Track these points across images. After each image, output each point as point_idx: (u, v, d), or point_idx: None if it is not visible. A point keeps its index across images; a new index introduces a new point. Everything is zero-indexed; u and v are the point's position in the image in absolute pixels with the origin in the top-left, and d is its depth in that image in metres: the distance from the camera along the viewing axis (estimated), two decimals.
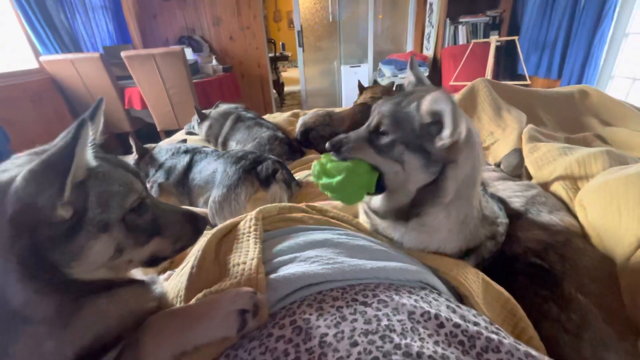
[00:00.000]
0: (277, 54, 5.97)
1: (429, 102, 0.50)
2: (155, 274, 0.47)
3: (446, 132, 0.49)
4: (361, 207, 0.67)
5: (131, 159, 1.32)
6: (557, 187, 0.84)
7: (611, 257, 0.62)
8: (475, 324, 0.36)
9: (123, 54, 2.65)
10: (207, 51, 4.01)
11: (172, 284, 0.49)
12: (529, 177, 0.98)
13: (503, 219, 0.69)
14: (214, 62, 3.70)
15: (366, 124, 0.60)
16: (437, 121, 0.51)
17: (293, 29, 4.57)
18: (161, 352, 0.35)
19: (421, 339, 0.33)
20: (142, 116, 3.19)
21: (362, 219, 0.66)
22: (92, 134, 0.38)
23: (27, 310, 0.31)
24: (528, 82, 3.02)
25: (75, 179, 0.33)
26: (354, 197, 0.56)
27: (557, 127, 1.40)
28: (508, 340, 0.34)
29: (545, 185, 0.89)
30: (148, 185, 1.21)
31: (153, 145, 1.36)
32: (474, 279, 0.54)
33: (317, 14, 4.82)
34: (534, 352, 0.33)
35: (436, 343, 0.33)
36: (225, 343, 0.35)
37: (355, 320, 0.35)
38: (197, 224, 0.45)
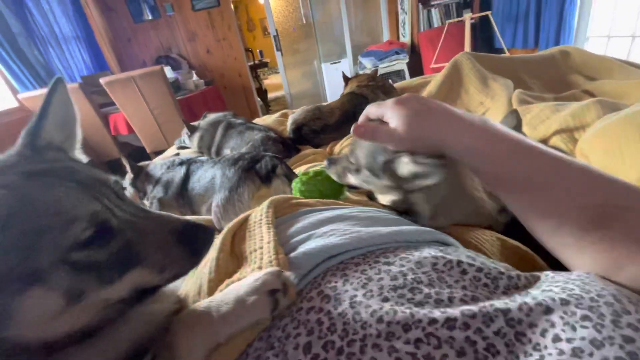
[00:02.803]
0: (256, 61, 5.98)
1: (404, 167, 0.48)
2: None
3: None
4: None
5: (127, 179, 1.30)
6: (556, 142, 0.85)
7: None
8: (495, 268, 0.36)
9: (102, 80, 2.63)
10: (186, 67, 4.01)
11: (189, 283, 0.47)
12: None
13: None
14: (195, 77, 3.69)
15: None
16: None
17: (268, 36, 4.59)
18: (196, 350, 0.33)
19: (449, 286, 0.33)
20: (130, 140, 3.16)
21: None
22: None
23: None
24: (507, 54, 3.06)
25: None
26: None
27: (543, 89, 1.42)
28: (523, 274, 0.34)
29: (543, 143, 0.90)
30: (147, 202, 1.20)
31: (147, 162, 1.35)
32: (487, 239, 0.54)
33: (290, 16, 4.84)
34: (538, 273, 0.33)
35: (463, 288, 0.32)
36: (258, 327, 0.35)
37: (382, 279, 0.34)
38: (194, 243, 0.36)
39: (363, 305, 0.31)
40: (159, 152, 2.95)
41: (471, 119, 0.43)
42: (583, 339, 0.23)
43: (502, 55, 1.59)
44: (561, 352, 0.23)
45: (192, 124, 1.69)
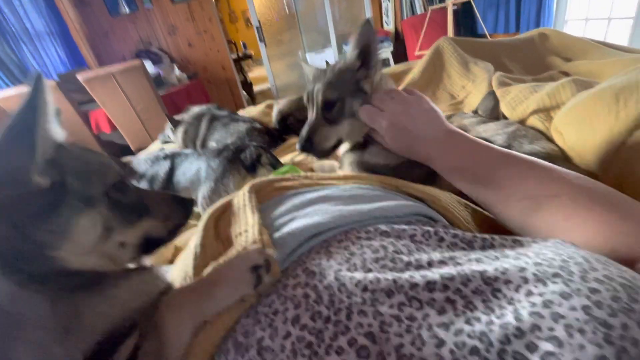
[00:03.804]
0: (240, 54, 5.88)
1: (358, 36, 0.58)
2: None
3: (374, 55, 0.59)
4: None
5: None
6: (533, 121, 0.87)
7: (593, 172, 0.65)
8: (469, 233, 0.39)
9: (80, 77, 2.54)
10: (167, 62, 3.91)
11: (177, 269, 0.48)
12: (506, 119, 1.01)
13: None
14: (177, 71, 3.61)
15: (311, 112, 0.65)
16: (363, 61, 0.60)
17: (251, 27, 4.51)
18: (183, 328, 0.34)
19: (427, 253, 0.35)
20: (114, 139, 3.09)
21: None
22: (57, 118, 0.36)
23: (16, 310, 0.28)
24: (489, 39, 3.09)
25: (45, 148, 0.31)
26: None
27: (523, 72, 1.44)
28: (498, 236, 0.37)
29: (521, 123, 0.92)
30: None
31: (130, 157, 1.33)
32: (461, 208, 0.56)
33: (273, 7, 4.77)
34: (517, 237, 0.36)
35: (441, 252, 0.35)
36: (244, 304, 0.35)
37: (364, 253, 0.36)
38: (184, 202, 0.44)
39: (347, 277, 0.32)
40: (144, 150, 2.91)
41: (438, 138, 0.54)
42: (553, 292, 0.25)
43: (482, 39, 1.61)
44: (533, 305, 0.25)
45: (175, 117, 1.66)
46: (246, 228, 0.44)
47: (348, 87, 0.61)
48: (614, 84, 0.65)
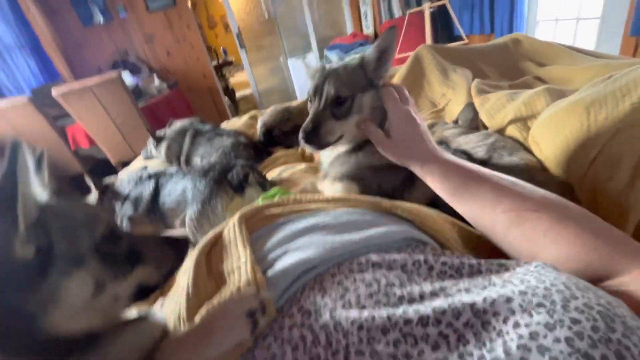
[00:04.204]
0: (220, 60, 5.81)
1: (381, 41, 0.63)
2: (148, 307, 0.45)
3: (390, 57, 0.64)
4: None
5: (92, 198, 1.25)
6: (512, 131, 0.90)
7: (569, 181, 0.68)
8: (457, 257, 0.40)
9: (55, 92, 2.45)
10: (146, 71, 3.83)
11: (169, 308, 0.47)
12: (485, 128, 1.04)
13: None
14: (156, 81, 3.54)
15: (318, 103, 0.66)
16: (380, 58, 0.64)
17: (230, 32, 4.46)
18: None
19: (418, 284, 0.35)
20: (93, 153, 2.99)
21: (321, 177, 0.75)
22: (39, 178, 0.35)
23: None
24: (466, 41, 3.17)
25: (28, 215, 0.29)
26: None
27: (500, 77, 1.49)
28: (484, 261, 0.39)
29: (500, 131, 0.95)
30: (117, 221, 1.15)
31: (112, 178, 1.29)
32: (449, 227, 0.57)
33: (251, 12, 4.73)
34: (503, 261, 0.38)
35: (432, 282, 0.35)
36: (241, 348, 0.35)
37: (357, 287, 0.36)
38: (178, 244, 0.43)
39: (343, 316, 0.33)
40: (125, 163, 2.82)
41: (433, 151, 0.58)
42: (538, 323, 0.26)
43: (460, 46, 1.65)
44: (520, 337, 0.26)
45: (157, 133, 1.63)
46: (238, 265, 0.44)
47: (360, 84, 0.64)
48: (584, 97, 0.69)
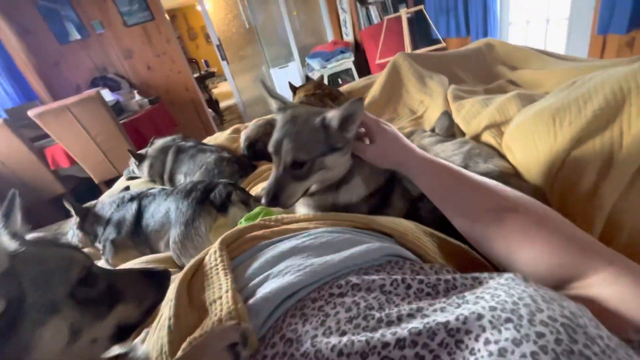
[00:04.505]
0: (203, 72, 5.79)
1: (344, 110, 0.60)
2: (131, 341, 0.44)
3: (354, 126, 0.61)
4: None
5: (72, 223, 1.22)
6: (487, 137, 0.93)
7: (541, 186, 0.71)
8: (436, 272, 0.42)
9: (31, 113, 2.40)
10: (126, 87, 3.78)
11: (152, 341, 0.47)
12: (462, 134, 1.07)
13: None
14: (137, 97, 3.49)
15: (277, 164, 0.65)
16: (343, 125, 0.61)
17: (212, 43, 4.44)
18: None
19: (396, 305, 0.36)
20: (74, 173, 2.93)
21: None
22: (6, 226, 0.34)
23: None
24: (443, 44, 3.25)
25: None
26: None
27: (475, 81, 1.54)
28: (459, 275, 0.40)
29: (476, 138, 0.98)
30: (100, 245, 1.13)
31: (93, 202, 1.27)
32: (427, 239, 0.59)
33: (231, 23, 4.74)
34: (476, 274, 0.39)
35: (409, 303, 0.36)
36: None
37: (338, 312, 0.37)
38: (159, 277, 0.43)
39: (323, 343, 0.33)
40: (109, 182, 2.77)
41: (415, 149, 0.61)
42: (506, 339, 0.27)
43: (436, 52, 1.70)
44: (490, 354, 0.27)
45: (139, 152, 1.61)
46: (220, 295, 0.44)
47: (320, 148, 0.61)
48: (550, 104, 0.72)
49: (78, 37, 3.66)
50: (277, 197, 0.63)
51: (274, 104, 0.74)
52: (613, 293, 0.35)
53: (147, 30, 3.79)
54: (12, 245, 0.33)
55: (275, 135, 0.65)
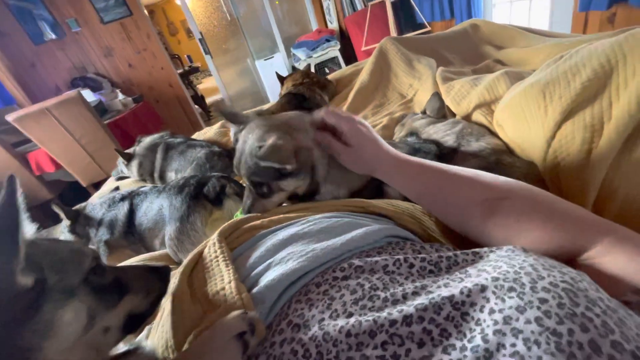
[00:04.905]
0: (186, 67, 5.66)
1: (262, 163, 0.59)
2: (134, 338, 0.44)
3: (287, 168, 0.59)
4: None
5: (63, 227, 1.19)
6: (477, 116, 0.94)
7: (533, 161, 0.71)
8: (437, 250, 0.42)
9: (10, 117, 2.32)
10: (108, 87, 3.67)
11: (156, 337, 0.46)
12: (453, 115, 1.08)
13: None
14: (120, 96, 3.40)
15: (247, 185, 0.66)
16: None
17: (194, 38, 4.34)
18: None
19: (401, 284, 0.37)
20: (60, 177, 2.86)
21: None
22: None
23: None
24: (428, 28, 3.24)
25: (24, 247, 0.30)
26: None
27: (462, 62, 1.53)
28: (460, 251, 0.40)
29: (467, 118, 0.99)
30: (94, 247, 1.11)
31: (83, 204, 1.24)
32: (426, 218, 0.59)
33: (212, 16, 4.63)
34: (477, 249, 0.39)
35: (413, 281, 0.37)
36: None
37: (343, 295, 0.37)
38: (159, 271, 0.45)
39: (331, 326, 0.33)
40: (97, 184, 2.71)
41: (392, 152, 0.58)
42: (511, 307, 0.28)
43: (422, 35, 1.69)
44: (496, 322, 0.27)
45: (126, 151, 1.57)
46: (223, 286, 0.43)
47: (269, 173, 0.61)
48: (539, 79, 0.72)
49: (53, 36, 3.52)
50: (252, 211, 0.64)
51: (231, 129, 0.74)
52: (610, 261, 0.36)
53: (126, 27, 3.67)
54: (30, 232, 0.34)
55: (236, 155, 0.65)
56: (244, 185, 1.05)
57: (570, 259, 0.40)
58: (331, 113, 0.61)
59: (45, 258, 0.33)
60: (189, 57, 6.30)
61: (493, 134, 0.86)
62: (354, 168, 0.61)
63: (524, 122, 0.72)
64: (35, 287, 0.30)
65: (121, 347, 0.40)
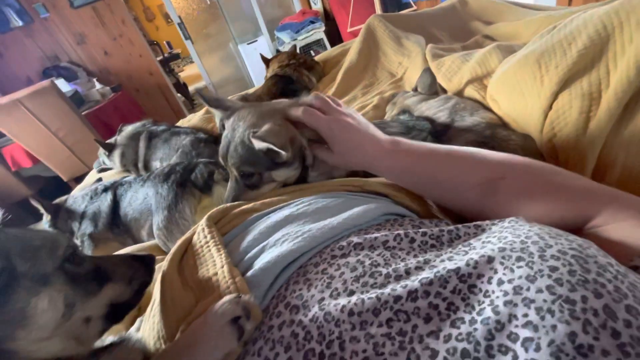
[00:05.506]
0: (166, 54, 5.45)
1: (257, 145, 0.55)
2: (124, 331, 0.42)
3: (282, 155, 0.55)
4: None
5: (44, 222, 1.14)
6: (470, 91, 0.92)
7: (529, 133, 0.70)
8: (437, 225, 0.41)
9: None
10: (84, 76, 3.50)
11: (146, 328, 0.44)
12: (445, 92, 1.05)
13: None
14: (98, 85, 3.25)
15: (230, 174, 0.63)
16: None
17: (172, 23, 4.15)
18: None
19: (402, 260, 0.35)
20: (39, 172, 2.74)
21: None
22: None
23: None
24: (415, 7, 3.18)
25: None
26: None
27: (451, 39, 1.51)
28: (461, 225, 0.39)
29: (459, 94, 0.97)
30: (78, 242, 1.07)
31: (64, 197, 1.18)
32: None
33: None
34: (478, 222, 0.38)
35: (415, 256, 0.35)
36: (231, 357, 0.33)
37: (343, 273, 0.35)
38: (144, 259, 0.43)
39: (332, 305, 0.32)
40: (79, 178, 2.61)
41: (382, 146, 0.53)
42: (520, 277, 0.26)
43: (410, 12, 1.64)
44: (505, 293, 0.26)
45: (107, 141, 1.50)
46: (215, 271, 0.41)
47: (263, 162, 0.58)
48: (534, 49, 0.70)
49: (20, 23, 3.31)
50: (235, 199, 0.61)
51: (216, 116, 0.69)
52: (615, 227, 0.36)
53: (98, 11, 3.47)
54: None
55: (222, 144, 0.61)
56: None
57: (576, 229, 0.39)
58: (309, 113, 0.55)
59: (14, 245, 0.32)
60: (168, 43, 6.06)
61: (487, 108, 0.84)
62: (346, 168, 0.61)
63: (519, 94, 0.70)
64: (1, 274, 0.29)
65: (107, 340, 0.38)
